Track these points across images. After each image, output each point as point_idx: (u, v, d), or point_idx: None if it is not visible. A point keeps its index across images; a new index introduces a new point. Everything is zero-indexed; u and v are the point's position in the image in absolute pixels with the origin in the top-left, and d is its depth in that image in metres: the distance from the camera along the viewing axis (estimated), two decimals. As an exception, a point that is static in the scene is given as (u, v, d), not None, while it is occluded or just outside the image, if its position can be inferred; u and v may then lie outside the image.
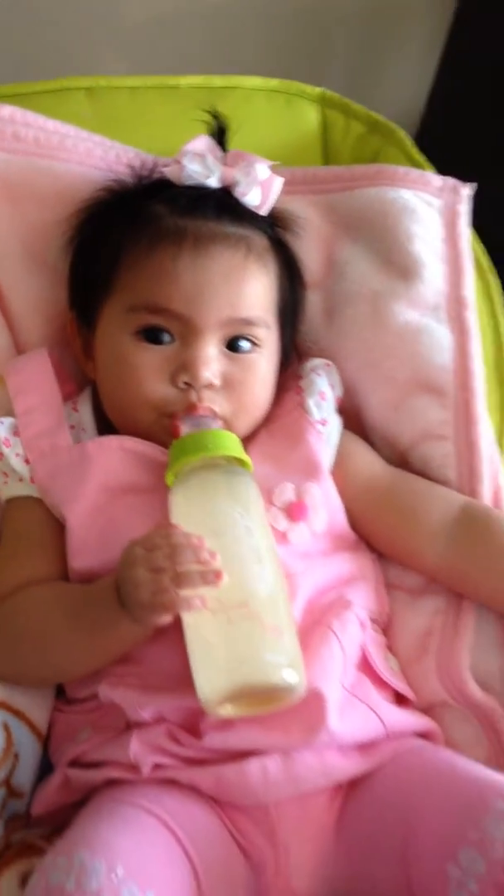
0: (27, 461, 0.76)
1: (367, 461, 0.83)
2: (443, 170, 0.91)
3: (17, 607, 0.72)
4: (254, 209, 0.79)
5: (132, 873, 0.57)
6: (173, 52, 0.98)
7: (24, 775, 0.72)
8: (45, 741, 0.75)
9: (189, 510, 0.68)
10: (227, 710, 0.64)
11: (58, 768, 0.72)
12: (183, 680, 0.66)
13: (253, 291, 0.77)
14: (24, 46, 1.39)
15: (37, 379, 0.79)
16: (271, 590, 0.66)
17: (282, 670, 0.63)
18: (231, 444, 0.70)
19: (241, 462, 0.70)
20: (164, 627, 0.67)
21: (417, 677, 0.77)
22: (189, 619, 0.65)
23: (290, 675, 0.63)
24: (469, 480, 0.79)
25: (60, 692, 0.77)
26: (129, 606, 0.65)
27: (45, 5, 1.36)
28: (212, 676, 0.64)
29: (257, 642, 0.63)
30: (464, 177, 0.89)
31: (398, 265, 0.84)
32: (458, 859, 0.59)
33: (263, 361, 0.78)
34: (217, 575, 0.62)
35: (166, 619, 0.64)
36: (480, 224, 0.89)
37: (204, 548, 0.63)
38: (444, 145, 0.96)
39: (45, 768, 0.74)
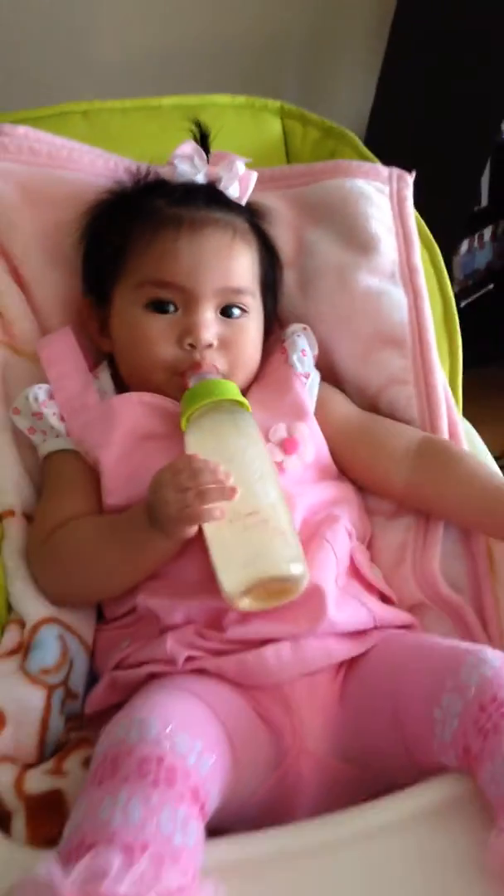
0: (62, 419, 0.88)
1: (342, 406, 0.96)
2: (387, 164, 1.06)
3: (63, 537, 0.83)
4: (235, 200, 0.93)
5: (183, 727, 0.67)
6: (147, 87, 1.12)
7: (78, 680, 0.82)
8: (91, 656, 0.85)
9: (203, 444, 0.81)
10: (246, 604, 0.76)
11: (104, 673, 0.83)
12: (206, 586, 0.78)
13: (240, 265, 0.90)
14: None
15: (64, 351, 0.91)
16: (275, 501, 0.79)
17: (290, 563, 0.75)
18: (232, 389, 0.83)
19: (241, 404, 0.83)
20: (186, 544, 0.80)
21: (397, 583, 0.89)
22: (210, 530, 0.77)
23: (297, 567, 0.76)
24: (430, 417, 0.93)
25: (99, 616, 0.88)
26: (161, 522, 0.77)
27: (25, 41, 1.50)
28: (232, 574, 0.76)
29: (268, 542, 0.76)
30: (405, 168, 1.05)
31: (358, 241, 0.98)
32: (440, 703, 0.70)
33: (252, 324, 0.92)
34: (232, 490, 0.75)
35: (192, 530, 0.77)
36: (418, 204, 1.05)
37: (219, 469, 0.76)
38: (387, 144, 1.11)
39: (92, 682, 0.85)
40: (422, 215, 1.04)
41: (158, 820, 0.61)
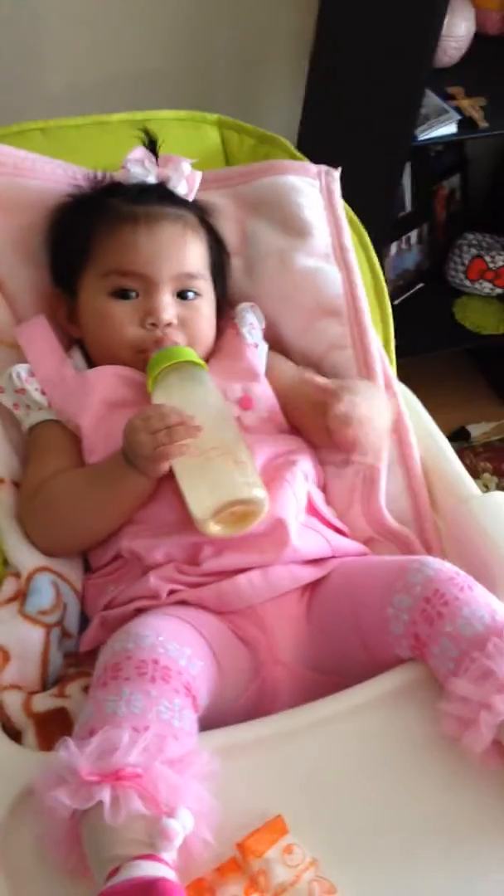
0: (43, 393, 0.98)
1: (287, 368, 1.07)
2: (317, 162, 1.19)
3: (50, 487, 0.93)
4: (184, 196, 1.05)
5: (172, 637, 0.78)
6: (93, 111, 1.24)
7: (72, 621, 0.92)
8: (81, 602, 0.94)
9: (168, 397, 0.91)
10: (215, 529, 0.87)
11: (95, 615, 0.92)
12: (181, 525, 0.89)
13: (192, 253, 1.01)
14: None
15: (40, 334, 1.02)
16: (235, 437, 0.90)
17: (251, 488, 0.86)
18: (188, 353, 0.95)
19: (197, 364, 0.94)
20: (160, 489, 0.90)
21: (350, 521, 1.01)
22: (179, 467, 0.88)
23: (258, 491, 0.86)
24: (367, 374, 1.04)
25: (86, 569, 0.97)
26: (136, 462, 0.87)
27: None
28: (201, 501, 0.86)
29: (231, 470, 0.87)
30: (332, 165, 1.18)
31: (294, 228, 1.10)
32: (392, 602, 0.82)
33: (205, 305, 1.02)
34: (196, 428, 0.86)
35: (164, 467, 0.87)
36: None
37: (184, 412, 0.87)
38: (315, 152, 1.24)
39: (84, 626, 0.93)
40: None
41: (158, 708, 0.72)
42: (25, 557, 0.92)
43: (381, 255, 1.87)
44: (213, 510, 0.85)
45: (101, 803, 0.65)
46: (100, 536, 0.95)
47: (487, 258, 2.03)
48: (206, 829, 0.68)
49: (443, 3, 1.35)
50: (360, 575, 0.91)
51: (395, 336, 1.65)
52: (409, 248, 2.03)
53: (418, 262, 2.07)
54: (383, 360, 1.07)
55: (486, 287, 2.05)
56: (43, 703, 0.84)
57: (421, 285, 2.08)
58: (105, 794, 0.65)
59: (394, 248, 1.98)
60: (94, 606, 0.94)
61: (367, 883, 0.71)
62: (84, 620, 0.95)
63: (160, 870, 0.63)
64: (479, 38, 1.70)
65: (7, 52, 1.59)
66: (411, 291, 2.07)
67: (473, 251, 2.04)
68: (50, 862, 0.69)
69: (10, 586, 0.90)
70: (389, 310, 1.14)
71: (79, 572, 0.96)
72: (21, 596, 0.89)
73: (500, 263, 2.03)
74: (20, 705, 0.83)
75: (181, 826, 0.66)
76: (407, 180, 1.95)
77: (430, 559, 0.85)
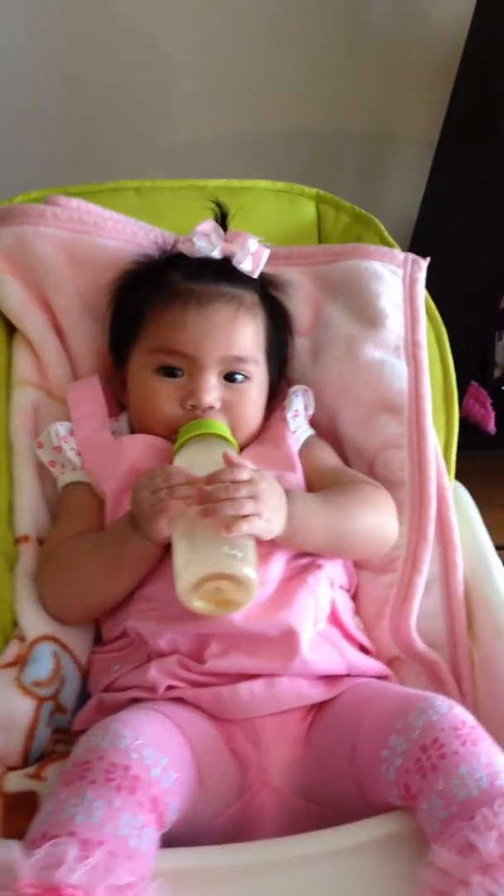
0: (79, 453, 0.97)
1: (322, 453, 1.03)
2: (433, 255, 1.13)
3: (62, 550, 0.92)
4: (248, 273, 1.02)
5: (151, 742, 0.73)
6: (212, 171, 1.24)
7: (69, 696, 0.89)
8: (85, 677, 0.92)
9: (189, 464, 0.87)
10: (197, 604, 0.81)
11: (94, 695, 0.89)
12: (189, 613, 0.84)
13: (243, 336, 0.98)
14: (85, 156, 1.70)
15: (89, 395, 1.01)
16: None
17: (242, 564, 0.80)
18: (221, 427, 0.92)
19: (227, 440, 0.91)
20: (169, 566, 0.86)
21: (378, 635, 0.95)
22: (176, 533, 0.83)
23: (248, 570, 0.80)
24: (419, 480, 0.98)
25: (97, 641, 0.95)
26: (138, 520, 0.84)
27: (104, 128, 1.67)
28: (186, 570, 0.80)
29: (223, 541, 0.80)
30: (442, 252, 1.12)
31: (368, 317, 1.06)
32: (388, 744, 0.74)
33: (253, 389, 0.99)
34: (201, 482, 0.82)
35: (162, 525, 0.82)
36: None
37: (190, 472, 0.83)
38: (427, 248, 1.18)
39: (84, 701, 0.92)
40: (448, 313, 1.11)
41: (117, 822, 0.67)
42: (33, 623, 0.90)
43: (488, 340, 1.80)
44: (197, 579, 0.80)
45: None
46: (106, 602, 0.92)
47: None
48: None
49: None
50: (367, 704, 0.84)
51: (499, 427, 1.57)
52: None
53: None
54: (439, 463, 1.01)
55: None
56: (16, 783, 0.81)
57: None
58: None
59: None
60: (97, 683, 0.91)
61: None
62: (85, 695, 0.92)
63: None
64: None
65: (134, 107, 1.62)
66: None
67: None
68: None
69: (12, 650, 0.89)
70: (456, 414, 1.07)
71: (86, 645, 0.94)
72: (21, 662, 0.88)
73: None
74: (-8, 781, 0.81)
75: None
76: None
77: (438, 699, 0.77)
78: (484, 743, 0.73)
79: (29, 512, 0.98)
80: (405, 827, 0.74)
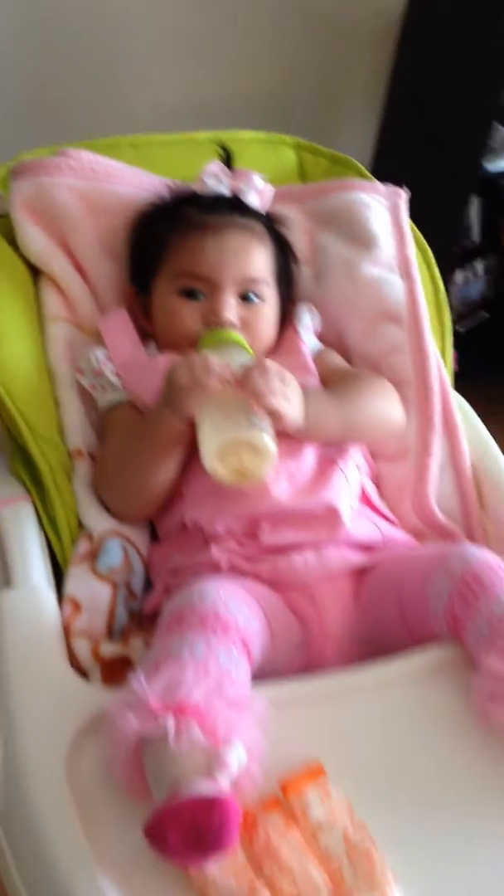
0: (117, 374, 1.07)
1: (333, 359, 1.15)
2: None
3: (114, 453, 1.02)
4: (255, 208, 1.13)
5: (232, 596, 0.83)
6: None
7: (137, 583, 0.98)
8: (146, 567, 1.01)
9: None
10: (221, 471, 0.90)
11: (158, 580, 0.99)
12: (240, 496, 0.96)
13: (256, 260, 1.08)
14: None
15: (121, 324, 1.11)
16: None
17: (264, 434, 0.89)
18: (239, 337, 1.02)
19: (246, 349, 1.01)
20: None
21: (401, 515, 1.06)
22: (207, 408, 0.91)
23: (269, 440, 0.89)
24: (423, 376, 1.10)
25: (153, 538, 1.04)
26: (170, 396, 0.92)
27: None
28: (211, 440, 0.90)
29: (247, 413, 0.90)
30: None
31: (361, 240, 1.18)
32: (433, 583, 0.86)
33: (267, 308, 1.10)
34: (230, 370, 0.91)
35: (195, 401, 0.91)
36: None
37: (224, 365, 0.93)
38: (387, 176, 1.32)
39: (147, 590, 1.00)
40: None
41: (217, 656, 0.78)
42: (98, 521, 1.00)
43: (447, 281, 1.95)
44: (220, 448, 0.89)
45: (164, 731, 0.71)
46: (159, 491, 1.01)
47: (550, 291, 2.09)
48: (255, 765, 0.74)
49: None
50: (406, 560, 0.96)
51: (458, 362, 1.73)
52: (475, 278, 2.10)
53: (483, 291, 2.13)
54: (440, 365, 1.14)
55: (548, 319, 2.11)
56: (109, 649, 0.91)
57: (486, 315, 2.14)
58: (170, 723, 0.71)
59: (460, 277, 2.05)
60: (159, 572, 1.00)
61: (395, 826, 0.76)
62: (148, 585, 1.02)
63: (220, 791, 0.69)
64: None
65: (102, 78, 1.72)
66: (475, 319, 2.13)
67: (537, 284, 2.10)
68: (114, 785, 0.76)
69: (83, 546, 0.98)
70: (449, 322, 1.20)
71: (146, 540, 1.04)
72: (93, 556, 0.97)
73: None
74: (89, 651, 0.90)
75: (236, 758, 0.72)
76: (475, 214, 2.02)
77: (471, 547, 0.91)
78: None
79: (78, 430, 1.07)
80: (453, 654, 0.87)
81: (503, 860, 0.76)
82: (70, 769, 0.77)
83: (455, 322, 2.01)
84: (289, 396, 0.94)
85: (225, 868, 0.70)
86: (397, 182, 1.25)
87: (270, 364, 0.94)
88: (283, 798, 0.76)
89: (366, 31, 1.80)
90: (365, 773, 0.79)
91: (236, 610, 0.83)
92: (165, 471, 1.00)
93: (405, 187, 1.25)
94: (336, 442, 1.06)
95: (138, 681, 0.74)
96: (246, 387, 0.91)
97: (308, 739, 0.81)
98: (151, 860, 0.71)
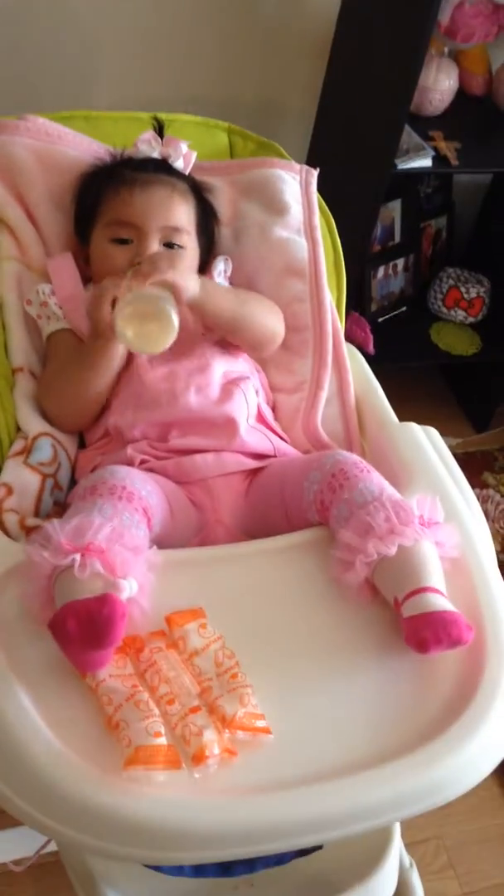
0: (60, 307, 1.24)
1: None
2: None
3: (55, 371, 1.20)
4: (180, 170, 1.31)
5: (138, 477, 1.02)
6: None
7: (63, 477, 1.15)
8: (73, 468, 1.19)
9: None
10: (129, 336, 1.06)
11: (83, 477, 1.16)
12: (154, 404, 1.14)
13: (178, 211, 1.24)
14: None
15: (66, 265, 1.27)
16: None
17: (164, 301, 1.06)
18: None
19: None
20: (135, 369, 1.16)
21: (292, 435, 1.26)
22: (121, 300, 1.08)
23: (170, 310, 1.06)
24: (319, 321, 1.30)
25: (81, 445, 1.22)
26: (91, 318, 1.14)
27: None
28: (121, 311, 1.06)
29: (151, 288, 1.08)
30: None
31: (275, 208, 1.36)
32: (308, 476, 1.06)
33: (187, 255, 1.27)
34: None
35: (108, 309, 1.09)
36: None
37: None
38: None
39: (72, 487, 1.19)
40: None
41: (122, 516, 0.95)
42: (33, 425, 1.17)
43: (368, 276, 2.16)
44: (127, 315, 1.06)
45: (72, 564, 0.87)
46: (92, 401, 1.19)
47: (463, 289, 2.31)
48: (145, 599, 0.92)
49: (419, 59, 1.66)
50: (290, 462, 1.16)
51: (377, 349, 1.94)
52: (395, 275, 2.31)
53: (403, 287, 2.34)
54: (334, 314, 1.34)
55: (460, 315, 2.33)
56: (34, 521, 1.07)
57: (404, 308, 2.35)
58: (76, 557, 0.88)
59: (381, 272, 2.25)
60: (84, 472, 1.17)
61: (260, 660, 0.92)
62: (73, 484, 1.19)
63: (110, 592, 0.85)
64: (464, 96, 2.02)
65: (59, 70, 1.90)
66: (395, 313, 2.34)
67: (451, 282, 2.32)
68: (30, 615, 0.91)
69: (19, 444, 1.16)
70: (344, 278, 1.40)
71: (74, 445, 1.22)
72: (26, 451, 1.14)
73: (474, 295, 2.31)
74: (16, 522, 1.06)
75: (128, 588, 0.89)
76: (397, 215, 2.24)
77: (342, 451, 1.10)
78: (374, 474, 1.05)
79: (21, 349, 1.24)
80: (321, 535, 1.05)
81: (347, 694, 0.92)
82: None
83: (375, 314, 2.23)
84: (180, 270, 1.12)
85: (113, 673, 0.87)
86: (326, 183, 1.45)
87: (160, 250, 1.15)
88: (167, 629, 0.93)
89: (304, 39, 2.00)
90: (239, 622, 0.96)
91: (140, 486, 1.01)
92: (96, 385, 1.18)
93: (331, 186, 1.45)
94: (227, 331, 1.24)
95: (52, 526, 0.91)
96: (143, 270, 1.10)
97: (193, 592, 0.97)
98: (58, 671, 0.88)
